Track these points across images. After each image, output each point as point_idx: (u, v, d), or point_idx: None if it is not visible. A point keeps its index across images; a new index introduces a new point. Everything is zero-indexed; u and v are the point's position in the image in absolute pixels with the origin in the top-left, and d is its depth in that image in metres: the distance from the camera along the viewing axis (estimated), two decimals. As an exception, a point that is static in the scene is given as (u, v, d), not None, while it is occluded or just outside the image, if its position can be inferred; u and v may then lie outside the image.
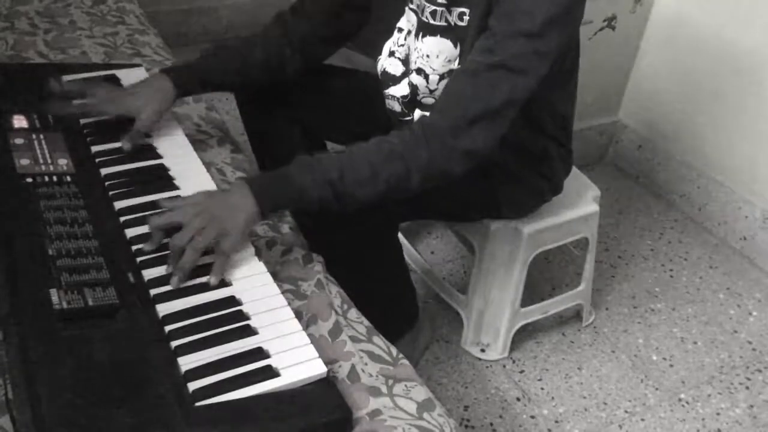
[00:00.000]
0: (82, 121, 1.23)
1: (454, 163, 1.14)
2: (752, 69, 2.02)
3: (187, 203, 1.02)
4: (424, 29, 1.26)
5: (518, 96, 1.14)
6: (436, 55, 1.26)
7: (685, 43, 2.19)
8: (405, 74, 1.34)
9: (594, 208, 1.66)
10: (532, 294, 1.81)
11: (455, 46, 1.24)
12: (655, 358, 1.78)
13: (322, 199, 1.07)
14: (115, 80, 1.37)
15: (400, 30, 1.33)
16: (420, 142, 1.11)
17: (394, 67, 1.35)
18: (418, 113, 1.35)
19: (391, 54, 1.35)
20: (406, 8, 1.29)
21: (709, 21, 2.10)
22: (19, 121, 1.18)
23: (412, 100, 1.34)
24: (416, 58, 1.29)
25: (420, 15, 1.26)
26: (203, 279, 0.97)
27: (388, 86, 1.37)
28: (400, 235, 1.91)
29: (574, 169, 1.62)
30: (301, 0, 1.38)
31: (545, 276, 1.96)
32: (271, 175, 1.07)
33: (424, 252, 1.98)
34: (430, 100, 1.32)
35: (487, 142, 1.14)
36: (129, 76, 1.39)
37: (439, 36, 1.25)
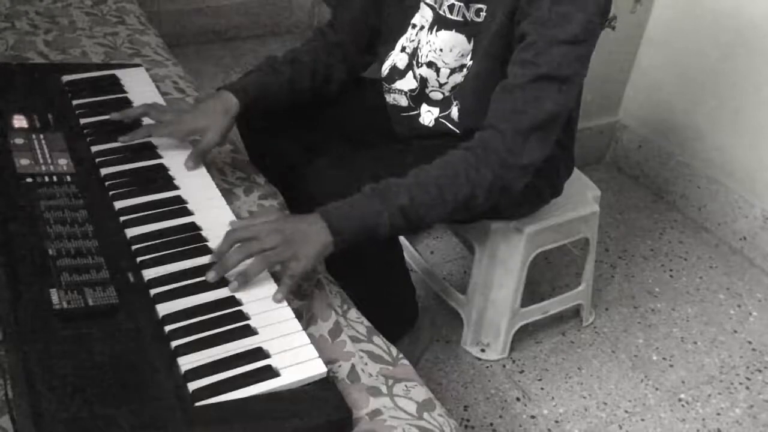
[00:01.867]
0: (82, 121, 1.24)
1: (515, 179, 1.17)
2: (752, 69, 2.02)
3: (261, 221, 1.03)
4: (440, 23, 1.27)
5: (565, 103, 1.17)
6: (450, 49, 1.27)
7: (684, 43, 2.19)
8: (409, 67, 1.35)
9: (594, 208, 1.66)
10: (532, 294, 1.81)
11: (469, 42, 1.25)
12: (655, 358, 1.78)
13: (393, 226, 1.08)
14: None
15: (414, 26, 1.34)
16: (481, 162, 1.13)
17: (402, 62, 1.36)
18: (424, 108, 1.35)
19: (403, 49, 1.36)
20: (422, 4, 1.30)
21: (709, 20, 2.10)
22: (19, 121, 1.18)
23: (420, 94, 1.35)
24: (428, 51, 1.30)
25: (437, 9, 1.27)
26: (203, 278, 0.97)
27: (394, 81, 1.38)
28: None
29: (575, 169, 1.62)
30: (334, 14, 1.40)
31: (545, 276, 1.96)
32: (344, 206, 1.06)
33: (424, 252, 1.98)
34: (438, 95, 1.32)
35: (543, 152, 1.18)
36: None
37: (454, 31, 1.26)
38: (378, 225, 1.07)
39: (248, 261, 0.97)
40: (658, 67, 2.29)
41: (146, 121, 1.24)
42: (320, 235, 1.02)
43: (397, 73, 1.37)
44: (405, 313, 1.58)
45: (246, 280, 0.96)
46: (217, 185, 1.18)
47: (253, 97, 1.26)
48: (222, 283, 0.97)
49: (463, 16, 1.24)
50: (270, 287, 0.99)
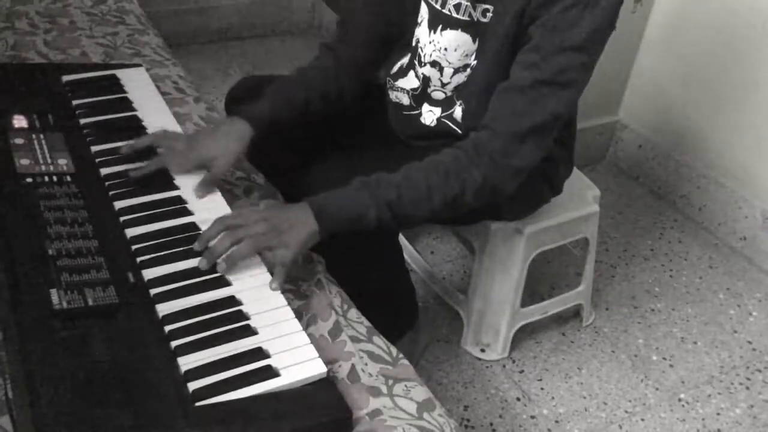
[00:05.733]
0: (82, 121, 1.24)
1: (507, 181, 1.18)
2: (752, 69, 2.02)
3: (249, 209, 1.05)
4: (445, 22, 1.26)
5: (565, 109, 1.18)
6: (454, 48, 1.26)
7: (684, 43, 2.19)
8: (410, 66, 1.34)
9: (594, 208, 1.66)
10: (532, 294, 1.81)
11: (474, 41, 1.25)
12: (655, 358, 1.78)
13: (380, 220, 1.10)
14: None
15: (419, 24, 1.33)
16: (473, 162, 1.14)
17: (405, 59, 1.36)
18: (426, 107, 1.35)
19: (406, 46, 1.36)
20: (422, 2, 1.30)
21: (709, 21, 2.10)
22: (19, 121, 1.18)
23: (422, 93, 1.34)
24: (432, 50, 1.29)
25: (439, 7, 1.26)
26: (203, 278, 0.97)
27: (398, 78, 1.37)
28: (400, 235, 1.91)
29: (575, 169, 1.62)
30: (344, 29, 1.39)
31: (545, 276, 1.96)
32: (333, 197, 1.09)
33: (424, 252, 1.98)
34: (440, 94, 1.32)
35: (536, 156, 1.18)
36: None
37: (459, 30, 1.25)
38: (364, 218, 1.09)
39: (236, 246, 0.99)
40: (658, 67, 2.29)
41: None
42: (307, 223, 1.05)
43: (401, 71, 1.37)
44: (405, 313, 1.58)
45: (233, 263, 0.98)
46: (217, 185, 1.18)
47: (268, 123, 1.25)
48: (222, 283, 0.97)
49: (470, 15, 1.23)
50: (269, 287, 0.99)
